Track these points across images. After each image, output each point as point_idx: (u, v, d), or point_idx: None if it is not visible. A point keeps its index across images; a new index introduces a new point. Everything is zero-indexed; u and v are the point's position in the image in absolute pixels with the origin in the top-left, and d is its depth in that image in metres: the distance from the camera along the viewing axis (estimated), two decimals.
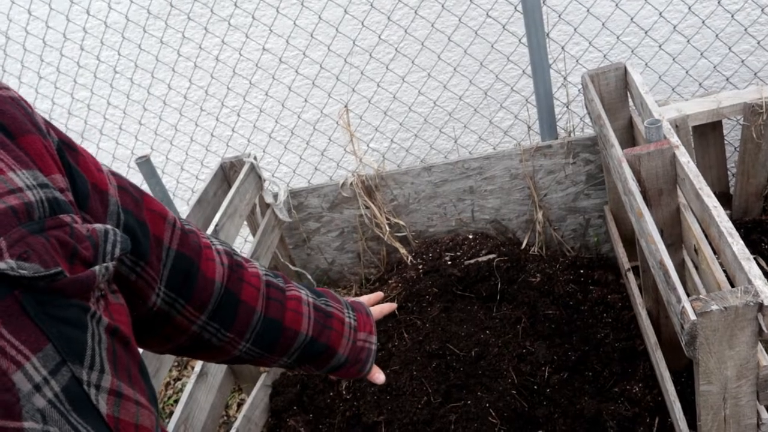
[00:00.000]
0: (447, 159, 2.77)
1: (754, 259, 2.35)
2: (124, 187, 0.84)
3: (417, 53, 2.86)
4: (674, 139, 1.78)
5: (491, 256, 2.64)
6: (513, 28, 2.68)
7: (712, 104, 2.33)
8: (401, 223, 2.77)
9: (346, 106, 2.72)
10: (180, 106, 3.24)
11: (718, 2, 2.58)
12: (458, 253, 2.71)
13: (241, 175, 2.54)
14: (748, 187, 2.43)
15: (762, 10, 2.58)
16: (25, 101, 0.74)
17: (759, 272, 1.32)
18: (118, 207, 0.80)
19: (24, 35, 3.20)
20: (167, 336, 0.96)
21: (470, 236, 2.76)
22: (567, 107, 2.62)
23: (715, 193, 2.66)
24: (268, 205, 2.71)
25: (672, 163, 1.75)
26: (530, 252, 2.69)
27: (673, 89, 2.69)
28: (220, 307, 0.98)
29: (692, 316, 1.24)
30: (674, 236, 1.85)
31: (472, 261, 2.64)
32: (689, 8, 2.58)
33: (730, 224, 1.47)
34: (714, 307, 1.23)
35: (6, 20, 3.16)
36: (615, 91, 2.27)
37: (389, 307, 1.38)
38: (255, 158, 2.65)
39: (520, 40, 2.59)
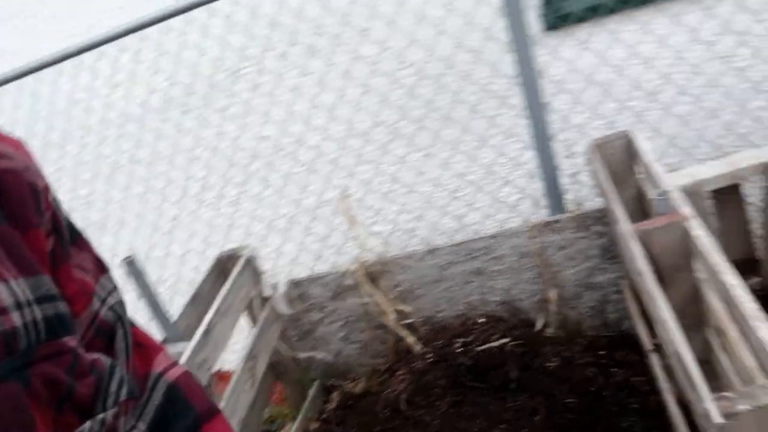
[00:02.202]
0: (452, 240, 2.65)
1: None
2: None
3: (413, 132, 2.79)
4: (687, 210, 1.64)
5: (504, 341, 2.48)
6: (513, 101, 2.59)
7: (729, 167, 2.19)
8: (407, 309, 2.62)
9: (344, 192, 2.62)
10: (179, 198, 3.18)
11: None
12: (469, 339, 2.54)
13: (236, 270, 2.43)
14: None
15: None
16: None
17: None
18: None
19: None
20: None
21: (481, 320, 2.60)
22: (573, 179, 2.50)
23: (741, 260, 2.48)
24: (266, 298, 2.58)
25: (686, 237, 1.60)
26: (545, 334, 2.52)
27: (686, 153, 2.55)
28: None
29: (717, 419, 1.07)
30: (696, 315, 1.69)
31: (483, 347, 2.48)
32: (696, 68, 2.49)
33: (753, 306, 1.30)
34: (742, 407, 1.07)
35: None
36: (621, 160, 2.15)
37: None
38: (252, 250, 2.55)
39: (519, 114, 2.50)
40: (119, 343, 0.61)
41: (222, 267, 2.58)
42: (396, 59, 2.75)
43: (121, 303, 0.65)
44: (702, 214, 2.19)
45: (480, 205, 2.89)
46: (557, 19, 2.66)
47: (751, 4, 2.44)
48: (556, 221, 2.37)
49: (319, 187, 2.97)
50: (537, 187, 2.57)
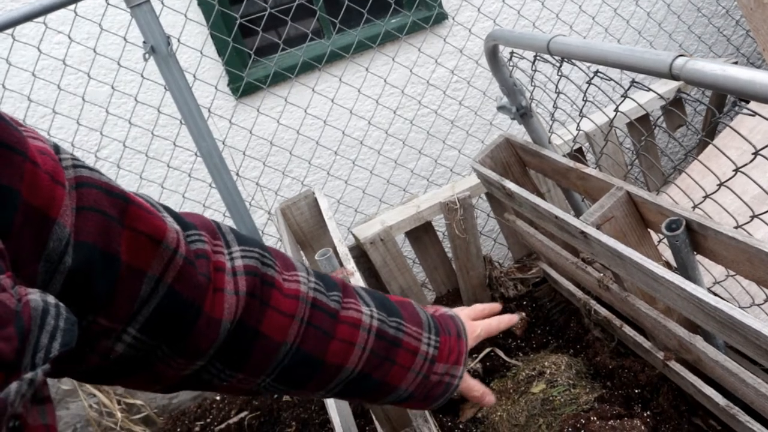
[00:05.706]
0: None
1: (491, 351, 2.32)
2: (95, 206, 0.56)
3: None
4: (350, 266, 1.70)
5: (242, 415, 2.42)
6: (201, 174, 2.56)
7: (413, 209, 2.33)
8: (138, 402, 2.47)
9: None
10: None
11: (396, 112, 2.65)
12: (208, 420, 2.46)
13: None
14: (470, 280, 2.42)
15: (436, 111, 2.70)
16: None
17: None
18: (67, 240, 0.52)
19: None
20: (147, 380, 0.66)
21: (218, 397, 2.52)
22: (280, 241, 2.53)
23: (447, 292, 2.63)
24: None
25: None
26: (283, 398, 2.50)
27: (380, 200, 2.69)
28: (228, 346, 0.69)
29: None
30: None
31: (222, 426, 2.40)
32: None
33: None
34: None
35: None
36: (312, 218, 2.20)
37: (507, 320, 1.02)
38: None
39: (210, 185, 2.48)
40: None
41: None
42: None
43: None
44: (392, 257, 2.32)
45: None
46: (248, 86, 2.71)
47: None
48: None
49: None
50: None
